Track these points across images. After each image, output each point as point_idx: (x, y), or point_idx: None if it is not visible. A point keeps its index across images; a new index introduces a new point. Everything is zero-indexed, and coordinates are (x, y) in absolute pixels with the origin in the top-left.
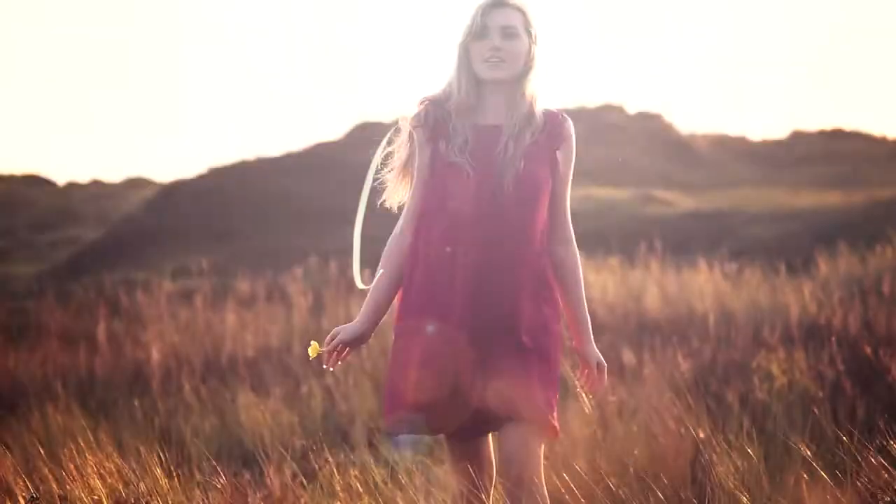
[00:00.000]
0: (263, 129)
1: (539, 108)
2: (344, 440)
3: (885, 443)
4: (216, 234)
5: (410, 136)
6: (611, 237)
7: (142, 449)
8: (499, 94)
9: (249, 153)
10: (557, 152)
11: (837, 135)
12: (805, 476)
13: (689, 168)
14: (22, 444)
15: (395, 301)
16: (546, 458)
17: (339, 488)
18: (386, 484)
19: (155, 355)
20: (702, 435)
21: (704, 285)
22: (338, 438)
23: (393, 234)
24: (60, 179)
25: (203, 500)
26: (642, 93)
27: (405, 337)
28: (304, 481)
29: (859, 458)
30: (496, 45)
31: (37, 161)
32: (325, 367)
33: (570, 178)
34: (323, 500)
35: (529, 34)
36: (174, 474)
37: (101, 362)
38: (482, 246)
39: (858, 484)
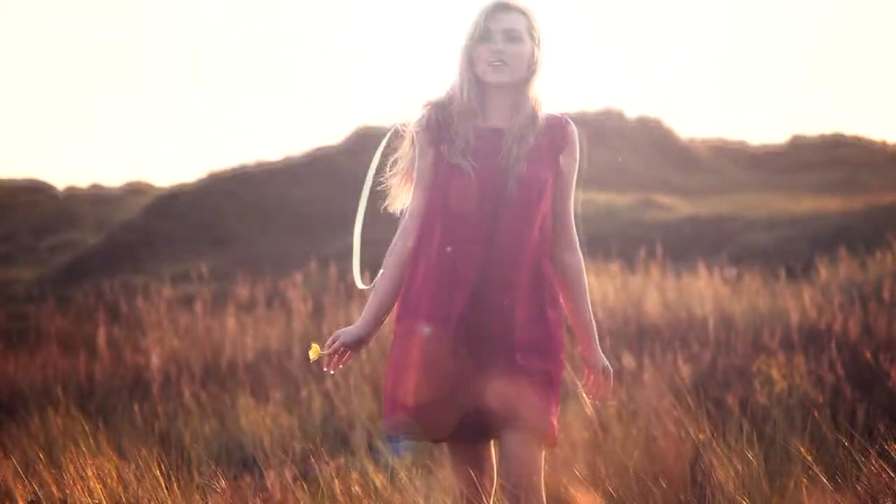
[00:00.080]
0: (263, 134)
1: (542, 112)
2: (343, 444)
3: (885, 446)
4: (216, 240)
5: (413, 139)
6: (611, 242)
7: (142, 453)
8: (502, 98)
9: (249, 158)
10: (560, 156)
11: (837, 140)
12: (805, 480)
13: (689, 173)
14: (22, 448)
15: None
16: (546, 461)
17: (338, 492)
18: (385, 488)
19: (155, 360)
20: (702, 438)
21: (704, 290)
22: (337, 442)
23: (395, 237)
24: (60, 184)
25: (203, 503)
26: (642, 98)
27: (404, 339)
28: (304, 485)
29: (859, 462)
30: (499, 48)
31: (36, 166)
32: (325, 369)
33: (574, 182)
34: (323, 503)
35: (533, 37)
36: (174, 478)
37: (101, 367)
38: (484, 248)
39: (858, 488)
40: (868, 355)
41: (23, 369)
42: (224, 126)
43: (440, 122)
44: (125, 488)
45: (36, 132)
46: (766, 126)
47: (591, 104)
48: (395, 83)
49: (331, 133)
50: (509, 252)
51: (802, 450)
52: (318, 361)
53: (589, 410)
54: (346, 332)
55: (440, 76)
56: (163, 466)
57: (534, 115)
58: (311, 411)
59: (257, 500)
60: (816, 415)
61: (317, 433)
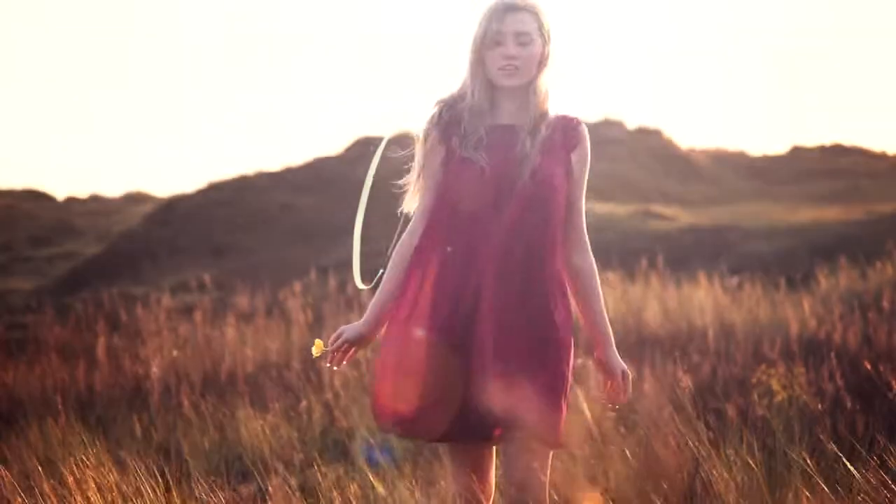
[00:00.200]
0: (263, 144)
1: (552, 107)
2: (343, 455)
3: (885, 458)
4: (215, 249)
5: (425, 138)
6: (611, 252)
7: (141, 464)
8: (513, 96)
9: (249, 168)
10: (572, 154)
11: (837, 150)
12: (805, 491)
13: (689, 183)
14: (21, 458)
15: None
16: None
17: (338, 503)
18: (385, 499)
19: (154, 370)
20: (702, 450)
21: (704, 300)
22: (337, 453)
23: (403, 235)
24: (59, 194)
25: None
26: (642, 108)
27: (404, 336)
28: (304, 496)
29: (859, 473)
30: (511, 53)
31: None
32: (328, 365)
33: (585, 183)
34: None
35: (543, 34)
36: (173, 489)
37: (101, 377)
38: (496, 245)
39: (859, 499)
40: (868, 366)
41: (22, 379)
42: (224, 135)
43: (451, 120)
44: (124, 499)
45: (35, 141)
46: (767, 135)
47: (591, 114)
48: (394, 93)
49: (331, 142)
50: (524, 251)
51: (804, 458)
52: (322, 358)
53: (589, 419)
54: (349, 329)
55: (439, 84)
56: (162, 477)
57: (545, 109)
58: (311, 422)
59: None
60: (816, 426)
61: (316, 444)
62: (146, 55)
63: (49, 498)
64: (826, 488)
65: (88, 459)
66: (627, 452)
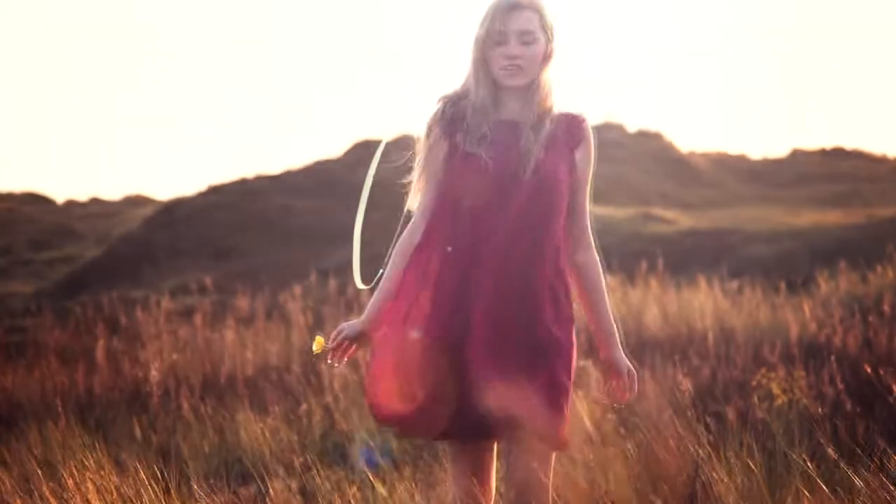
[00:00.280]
0: (263, 147)
1: (556, 103)
2: (343, 458)
3: (885, 461)
4: (215, 252)
5: (427, 133)
6: (611, 255)
7: (140, 466)
8: (517, 95)
9: (249, 170)
10: (576, 152)
11: (838, 153)
12: (807, 494)
13: (689, 186)
14: (21, 461)
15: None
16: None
17: None
18: (385, 503)
19: (154, 373)
20: (702, 453)
21: (704, 304)
22: (337, 456)
23: (404, 233)
24: (59, 197)
25: None
26: (642, 111)
27: (404, 334)
28: (304, 499)
29: (860, 477)
30: (514, 52)
31: (35, 179)
32: (329, 362)
33: (590, 181)
34: None
35: (545, 31)
36: (173, 492)
37: (100, 381)
38: (499, 243)
39: (858, 502)
40: (868, 369)
41: (21, 383)
42: (224, 138)
43: (455, 116)
44: (124, 502)
45: (35, 145)
46: (767, 139)
47: (592, 117)
48: (394, 96)
49: (331, 146)
50: (527, 247)
51: (804, 461)
52: (322, 354)
53: (588, 422)
54: (349, 326)
55: (439, 87)
56: (162, 480)
57: (548, 105)
58: (311, 425)
59: None
60: (816, 430)
61: (316, 447)
62: (146, 58)
63: (49, 501)
64: (826, 491)
65: (88, 462)
66: (629, 453)
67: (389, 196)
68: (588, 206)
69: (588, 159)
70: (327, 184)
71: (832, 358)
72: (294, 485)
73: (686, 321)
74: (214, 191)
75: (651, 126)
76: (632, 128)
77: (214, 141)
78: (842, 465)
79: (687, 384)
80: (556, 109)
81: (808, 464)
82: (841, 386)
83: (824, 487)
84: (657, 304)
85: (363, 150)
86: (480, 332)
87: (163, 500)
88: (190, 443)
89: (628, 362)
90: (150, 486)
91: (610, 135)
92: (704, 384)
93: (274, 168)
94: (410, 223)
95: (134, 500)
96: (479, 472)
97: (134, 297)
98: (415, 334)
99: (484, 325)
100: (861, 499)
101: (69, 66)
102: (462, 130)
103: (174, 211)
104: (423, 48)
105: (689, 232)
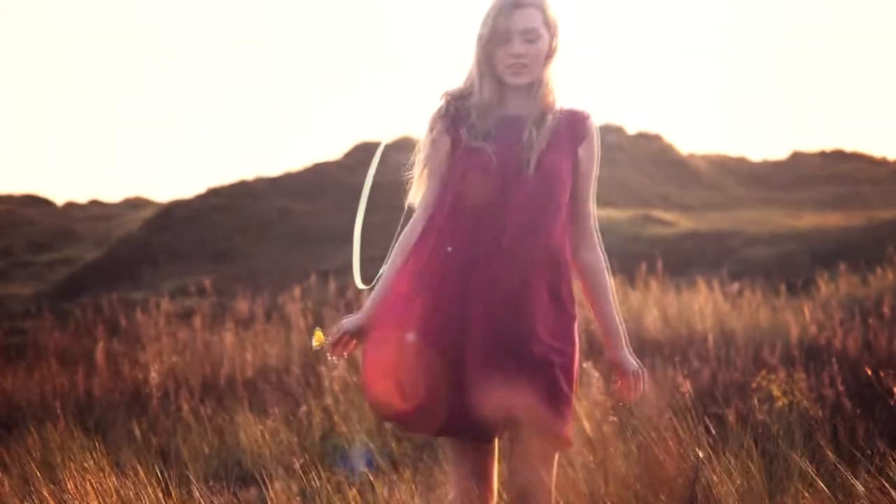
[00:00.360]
0: (263, 149)
1: (558, 93)
2: (343, 460)
3: (884, 464)
4: (215, 254)
5: (430, 128)
6: (611, 257)
7: (140, 468)
8: (521, 92)
9: (248, 173)
10: (579, 148)
11: (838, 155)
12: (807, 496)
13: (689, 188)
14: (20, 464)
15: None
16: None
17: None
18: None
19: (153, 375)
20: (702, 454)
21: (704, 306)
22: (337, 458)
23: (405, 229)
24: (59, 199)
25: None
26: (642, 113)
27: (402, 332)
28: (304, 501)
29: (860, 479)
30: (519, 51)
31: (35, 181)
32: (330, 357)
33: (593, 178)
34: None
35: (549, 28)
36: (173, 494)
37: (100, 382)
38: (501, 238)
39: None
40: (869, 371)
41: (21, 385)
42: (223, 140)
43: (458, 112)
44: None
45: (35, 146)
46: (767, 141)
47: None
48: (394, 99)
49: (330, 148)
50: (530, 244)
51: (805, 463)
52: (321, 350)
53: (588, 425)
54: (349, 321)
55: (439, 89)
56: (161, 482)
57: (552, 100)
58: (311, 427)
59: None
60: (816, 432)
61: (316, 449)
62: (146, 58)
63: (48, 503)
64: (826, 493)
65: (88, 464)
66: (630, 455)
67: (389, 198)
68: (593, 205)
69: (591, 156)
70: (327, 186)
71: (832, 360)
72: (294, 487)
73: (686, 323)
74: (214, 193)
75: (651, 128)
76: (631, 130)
77: (214, 142)
78: (841, 467)
79: (687, 386)
80: (559, 105)
81: (808, 466)
82: (841, 388)
83: (824, 489)
84: (657, 305)
85: (363, 152)
86: (480, 333)
87: (162, 502)
88: (190, 445)
89: (634, 362)
90: (150, 487)
91: (610, 137)
92: (704, 386)
93: (273, 170)
94: (412, 219)
95: (134, 502)
96: (480, 475)
97: (133, 300)
98: (410, 337)
99: (483, 326)
100: (861, 501)
101: (69, 67)
102: (466, 126)
103: (173, 213)
104: (423, 48)
105: (689, 234)
